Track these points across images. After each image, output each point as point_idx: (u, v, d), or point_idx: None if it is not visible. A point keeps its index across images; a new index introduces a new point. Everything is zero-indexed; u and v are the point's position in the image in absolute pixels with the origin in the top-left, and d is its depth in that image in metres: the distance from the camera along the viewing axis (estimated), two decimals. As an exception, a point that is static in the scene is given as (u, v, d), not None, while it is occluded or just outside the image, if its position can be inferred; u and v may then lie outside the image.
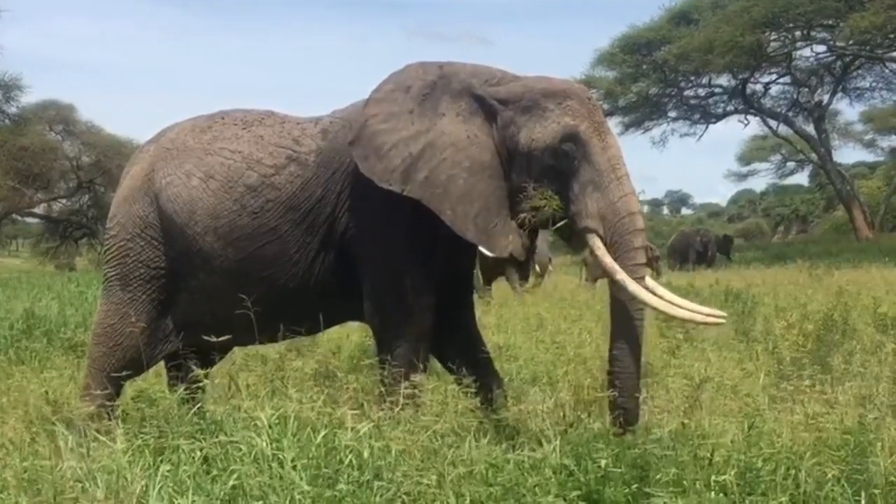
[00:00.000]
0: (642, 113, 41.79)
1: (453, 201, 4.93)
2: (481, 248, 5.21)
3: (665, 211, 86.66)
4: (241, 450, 3.94)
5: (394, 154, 4.97)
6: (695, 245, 28.93)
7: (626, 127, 41.95)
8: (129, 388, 5.70)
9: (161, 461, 4.03)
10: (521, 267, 15.58)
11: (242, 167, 5.28)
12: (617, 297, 4.82)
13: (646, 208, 69.36)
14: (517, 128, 4.98)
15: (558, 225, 4.92)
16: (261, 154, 5.30)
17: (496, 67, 5.28)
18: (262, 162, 5.27)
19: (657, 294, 4.82)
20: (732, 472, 3.86)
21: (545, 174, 4.92)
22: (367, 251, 5.16)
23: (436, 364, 5.58)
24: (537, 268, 16.40)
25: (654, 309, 4.80)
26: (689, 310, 4.88)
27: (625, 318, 4.81)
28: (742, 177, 57.77)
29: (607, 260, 4.77)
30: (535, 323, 9.88)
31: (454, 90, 5.11)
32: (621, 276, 4.71)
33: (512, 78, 5.20)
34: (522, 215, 4.94)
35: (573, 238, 5.06)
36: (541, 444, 4.22)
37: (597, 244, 4.81)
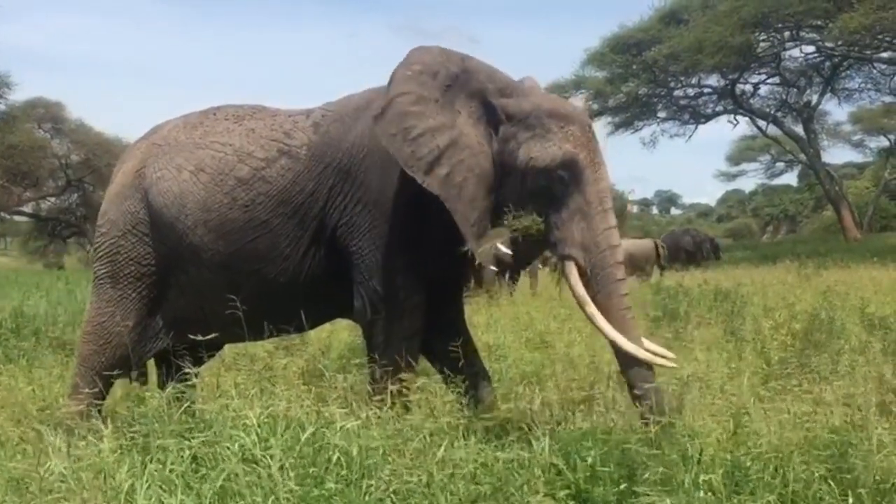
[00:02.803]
0: (632, 113, 41.76)
1: (464, 204, 4.95)
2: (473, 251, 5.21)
3: (654, 211, 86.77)
4: (229, 449, 3.94)
5: (422, 142, 4.94)
6: (685, 245, 28.93)
7: (616, 127, 41.94)
8: (118, 387, 5.69)
9: (149, 460, 4.02)
10: (512, 270, 15.64)
11: (233, 160, 5.27)
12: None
13: (635, 208, 69.55)
14: (517, 144, 4.99)
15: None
16: (252, 147, 5.29)
17: (510, 76, 5.27)
18: (253, 155, 5.26)
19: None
20: (720, 471, 3.88)
21: (536, 194, 4.94)
22: (358, 248, 5.16)
23: (424, 363, 5.58)
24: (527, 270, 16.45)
25: (614, 343, 4.80)
26: (647, 350, 4.86)
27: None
28: (731, 177, 58.16)
29: (579, 290, 4.86)
30: (525, 322, 9.88)
31: (470, 90, 5.11)
32: (590, 309, 4.81)
33: (524, 91, 5.19)
34: (514, 228, 5.00)
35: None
36: (529, 443, 4.22)
37: (573, 273, 4.89)
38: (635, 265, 19.77)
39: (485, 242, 5.07)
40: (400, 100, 5.00)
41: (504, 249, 14.68)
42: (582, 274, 4.87)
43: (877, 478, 3.88)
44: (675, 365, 5.01)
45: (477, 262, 5.02)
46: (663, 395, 4.76)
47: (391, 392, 4.61)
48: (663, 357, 4.89)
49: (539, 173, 4.92)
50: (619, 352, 4.83)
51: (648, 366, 4.80)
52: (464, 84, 5.11)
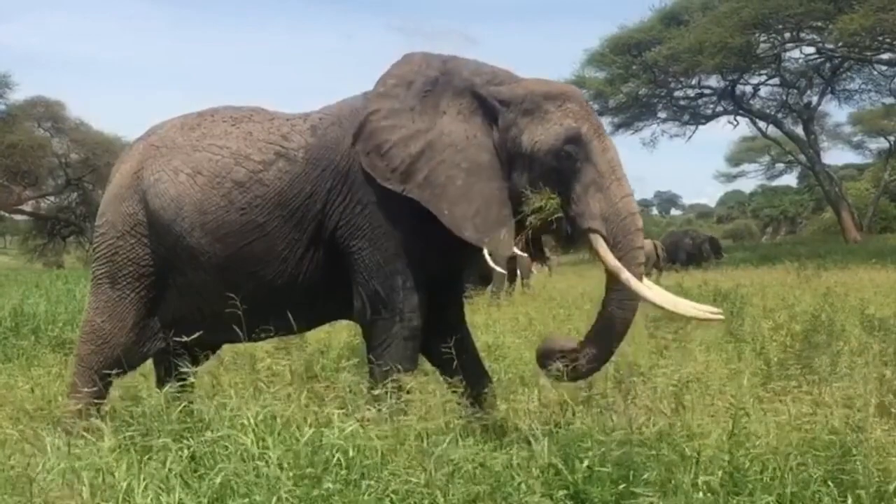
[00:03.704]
0: (632, 114, 41.82)
1: (450, 202, 4.96)
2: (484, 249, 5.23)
3: (654, 211, 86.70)
4: (227, 448, 3.93)
5: (394, 153, 5.00)
6: (684, 246, 28.96)
7: (617, 127, 41.97)
8: (117, 387, 5.69)
9: (148, 459, 4.02)
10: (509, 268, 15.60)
11: (230, 163, 5.27)
12: (611, 292, 4.93)
13: (635, 209, 69.37)
14: (519, 130, 5.01)
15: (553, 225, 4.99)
16: (249, 150, 5.28)
17: (497, 66, 5.29)
18: (250, 158, 5.26)
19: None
20: (719, 472, 3.88)
21: (546, 175, 4.96)
22: (357, 250, 5.15)
23: (424, 362, 5.57)
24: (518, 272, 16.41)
25: (655, 305, 4.93)
26: (689, 307, 5.01)
27: (612, 313, 4.93)
28: (731, 178, 58.10)
29: (611, 259, 4.86)
30: (524, 322, 9.88)
31: (456, 88, 5.13)
32: (626, 275, 4.81)
33: (512, 79, 5.22)
34: (528, 217, 4.99)
35: (570, 238, 5.12)
36: (528, 444, 4.22)
37: (601, 244, 4.89)
38: None
39: (497, 234, 5.04)
40: (371, 118, 5.09)
41: (518, 252, 14.61)
42: (606, 243, 4.89)
43: (876, 479, 3.87)
44: (721, 317, 5.16)
45: (488, 256, 5.00)
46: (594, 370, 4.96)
47: (390, 392, 4.60)
48: (710, 312, 5.05)
49: (546, 154, 4.95)
50: (595, 330, 4.99)
51: (609, 351, 4.99)
52: (447, 84, 5.15)
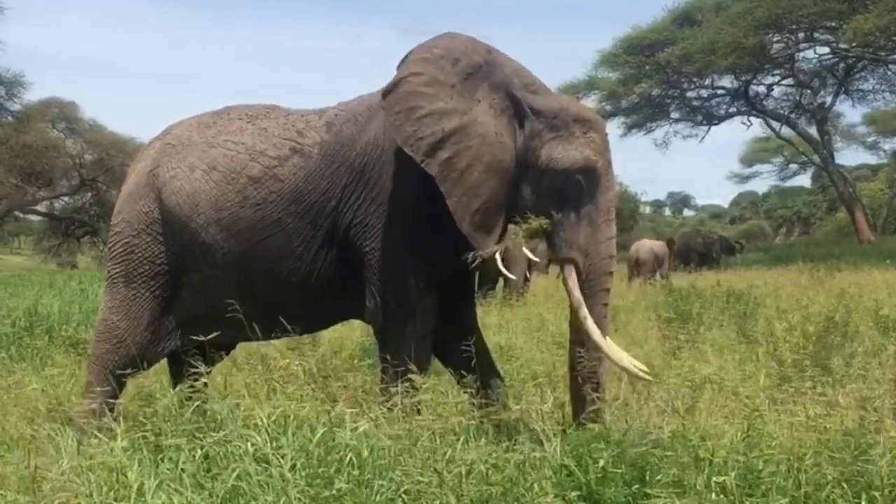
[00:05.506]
0: (645, 114, 41.76)
1: (463, 190, 4.95)
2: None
3: (667, 212, 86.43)
4: (240, 448, 3.93)
5: (427, 122, 4.96)
6: (696, 246, 28.89)
7: (629, 128, 41.94)
8: (131, 386, 5.70)
9: (161, 459, 4.02)
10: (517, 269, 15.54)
11: (245, 158, 5.27)
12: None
13: (648, 209, 69.35)
14: (541, 142, 5.03)
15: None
16: (264, 145, 5.29)
17: (536, 75, 5.30)
18: (265, 153, 5.26)
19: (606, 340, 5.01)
20: (733, 474, 3.86)
21: (550, 194, 5.00)
22: (371, 248, 5.15)
23: (436, 363, 5.57)
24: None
25: (599, 350, 4.92)
26: (628, 361, 5.00)
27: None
28: (744, 178, 57.89)
29: (576, 294, 4.95)
30: (537, 323, 9.87)
31: (494, 81, 5.12)
32: (584, 312, 4.91)
33: (548, 91, 5.26)
34: (520, 233, 5.05)
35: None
36: (541, 444, 4.21)
37: (572, 276, 4.98)
38: (656, 265, 20.14)
39: (489, 234, 5.06)
40: (411, 79, 5.02)
41: (530, 255, 14.55)
42: (579, 277, 4.98)
43: (891, 481, 3.85)
44: (651, 379, 5.13)
45: (477, 259, 4.98)
46: (605, 415, 4.85)
47: (402, 392, 4.60)
48: (641, 371, 4.97)
49: (557, 175, 4.97)
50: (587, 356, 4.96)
51: (600, 378, 4.99)
52: (487, 74, 5.12)
